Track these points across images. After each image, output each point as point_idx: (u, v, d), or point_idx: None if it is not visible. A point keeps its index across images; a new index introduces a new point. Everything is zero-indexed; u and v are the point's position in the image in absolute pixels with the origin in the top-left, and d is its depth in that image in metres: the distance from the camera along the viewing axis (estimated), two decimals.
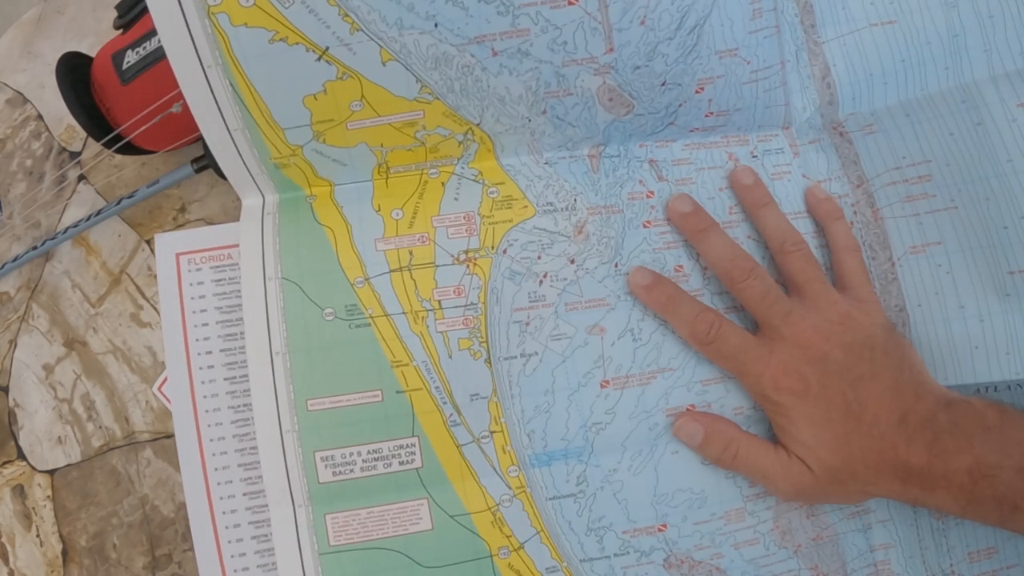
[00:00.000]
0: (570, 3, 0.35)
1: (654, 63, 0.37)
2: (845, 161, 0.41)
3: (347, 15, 0.34)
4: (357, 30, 0.34)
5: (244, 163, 0.38)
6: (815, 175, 0.41)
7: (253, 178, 0.39)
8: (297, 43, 0.34)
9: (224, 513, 0.40)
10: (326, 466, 0.37)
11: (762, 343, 0.37)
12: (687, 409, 0.38)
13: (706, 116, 0.40)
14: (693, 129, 0.40)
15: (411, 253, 0.38)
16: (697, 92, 0.39)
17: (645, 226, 0.40)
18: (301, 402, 0.37)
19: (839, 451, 0.35)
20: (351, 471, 0.37)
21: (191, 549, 0.41)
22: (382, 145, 0.38)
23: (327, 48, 0.34)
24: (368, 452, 0.37)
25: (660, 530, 0.37)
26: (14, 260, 0.45)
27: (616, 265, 0.39)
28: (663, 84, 0.38)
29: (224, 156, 0.37)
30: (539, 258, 0.39)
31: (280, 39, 0.34)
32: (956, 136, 0.38)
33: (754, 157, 0.41)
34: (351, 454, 0.37)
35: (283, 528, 0.37)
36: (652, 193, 0.40)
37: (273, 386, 0.37)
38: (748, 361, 0.37)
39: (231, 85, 0.35)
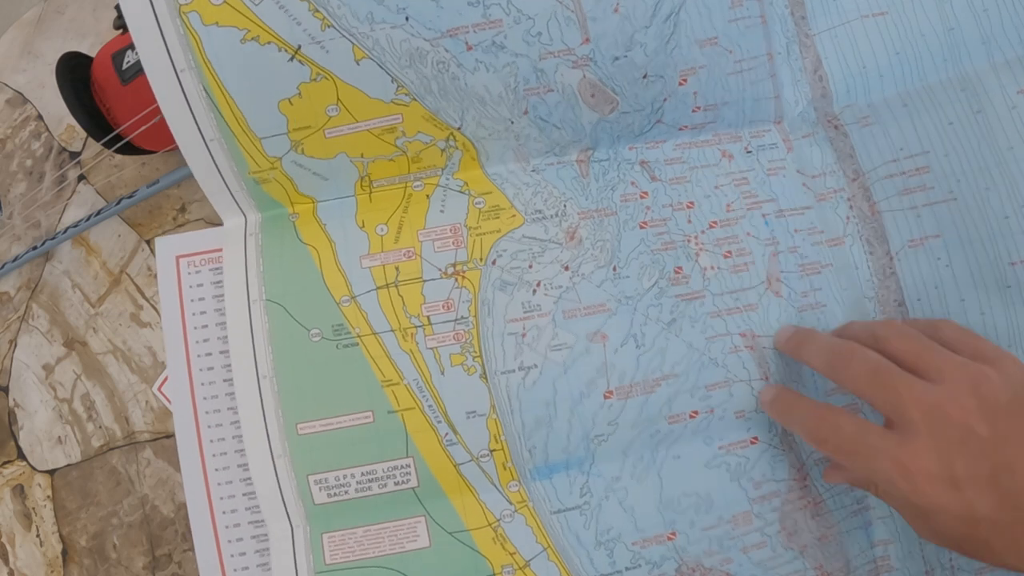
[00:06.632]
0: None
1: (633, 53, 0.36)
2: (840, 155, 0.40)
3: (317, 11, 0.33)
4: (328, 26, 0.34)
5: (223, 178, 0.37)
6: (809, 170, 0.40)
7: (233, 195, 0.38)
8: (269, 42, 0.34)
9: (224, 513, 0.40)
10: (320, 488, 0.36)
11: (887, 431, 0.31)
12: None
13: (693, 111, 0.39)
14: (683, 127, 0.39)
15: (397, 269, 0.37)
16: (681, 84, 0.38)
17: (641, 227, 0.39)
18: (291, 426, 0.36)
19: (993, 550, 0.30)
20: (346, 492, 0.36)
21: (191, 549, 0.41)
22: (363, 155, 0.37)
23: (299, 47, 0.34)
24: (362, 474, 0.36)
25: (670, 538, 0.37)
26: (14, 260, 0.45)
27: (614, 268, 0.38)
28: (645, 76, 0.37)
29: (202, 170, 0.37)
30: (530, 267, 0.38)
31: (252, 38, 0.33)
32: (955, 125, 0.38)
33: (748, 153, 0.40)
34: (345, 476, 0.36)
35: (280, 546, 0.36)
36: (646, 194, 0.39)
37: (262, 410, 0.36)
38: (871, 455, 0.31)
39: (205, 90, 0.34)
